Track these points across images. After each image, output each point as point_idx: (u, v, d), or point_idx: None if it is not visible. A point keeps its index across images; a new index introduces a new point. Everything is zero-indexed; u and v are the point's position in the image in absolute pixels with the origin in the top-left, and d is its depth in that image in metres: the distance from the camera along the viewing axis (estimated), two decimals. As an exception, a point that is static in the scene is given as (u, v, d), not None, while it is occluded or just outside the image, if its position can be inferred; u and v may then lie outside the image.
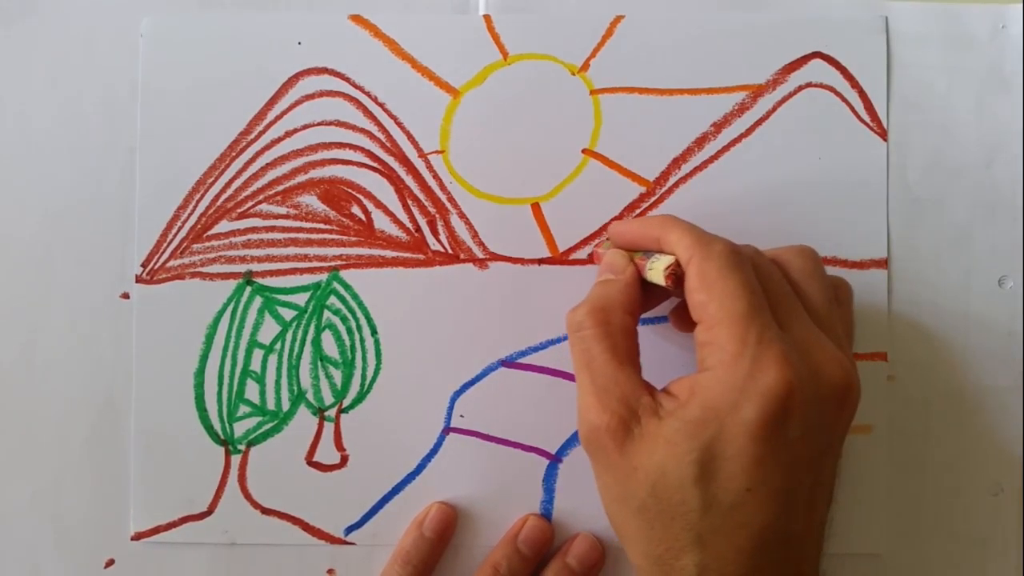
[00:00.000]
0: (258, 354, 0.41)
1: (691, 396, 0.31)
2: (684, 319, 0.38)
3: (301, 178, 0.41)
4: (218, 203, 0.41)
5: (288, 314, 0.41)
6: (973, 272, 0.41)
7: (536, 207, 0.41)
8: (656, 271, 0.33)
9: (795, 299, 0.33)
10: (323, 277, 0.41)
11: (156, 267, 0.41)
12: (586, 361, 0.33)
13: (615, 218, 0.40)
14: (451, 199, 0.41)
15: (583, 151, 0.41)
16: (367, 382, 0.41)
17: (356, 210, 0.41)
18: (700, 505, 0.30)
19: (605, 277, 0.36)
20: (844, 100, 0.40)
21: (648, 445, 0.31)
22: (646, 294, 0.35)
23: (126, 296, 0.41)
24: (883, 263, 0.40)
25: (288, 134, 0.41)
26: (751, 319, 0.30)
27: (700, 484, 0.30)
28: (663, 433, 0.31)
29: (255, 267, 0.41)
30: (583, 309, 0.34)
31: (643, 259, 0.35)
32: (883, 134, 0.40)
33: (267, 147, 0.41)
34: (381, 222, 0.41)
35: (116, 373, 0.41)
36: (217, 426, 0.41)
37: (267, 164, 0.41)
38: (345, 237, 0.41)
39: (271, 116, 0.41)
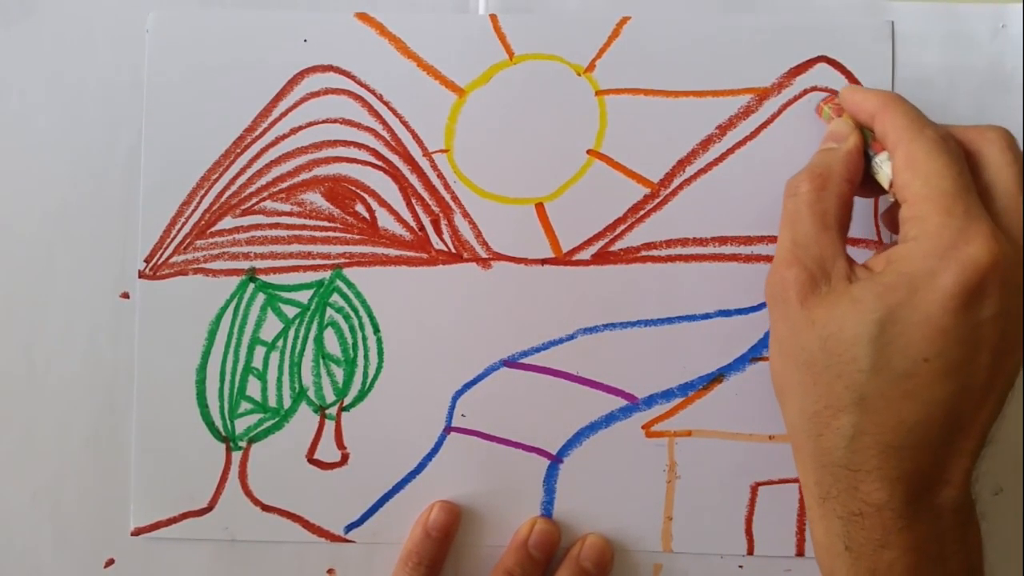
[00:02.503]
0: (260, 351, 0.41)
1: (887, 265, 0.31)
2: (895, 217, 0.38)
3: (305, 175, 0.41)
4: (222, 199, 0.41)
5: (291, 311, 0.41)
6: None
7: (540, 207, 0.41)
8: (882, 175, 0.34)
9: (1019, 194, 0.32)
10: (326, 275, 0.41)
11: (159, 263, 0.41)
12: (792, 220, 0.34)
13: (619, 220, 0.40)
14: (455, 198, 0.41)
15: (588, 152, 0.41)
16: (369, 380, 0.41)
17: (360, 208, 0.41)
18: (870, 366, 0.30)
19: (827, 145, 0.36)
20: (849, 104, 0.40)
21: (832, 301, 0.32)
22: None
23: (126, 296, 0.41)
24: (886, 267, 0.40)
25: (293, 131, 0.41)
26: (957, 195, 0.30)
27: (875, 344, 0.30)
28: (850, 292, 0.31)
29: (258, 264, 0.41)
30: (802, 173, 0.34)
31: (876, 145, 0.35)
32: (888, 138, 0.40)
33: (272, 144, 0.41)
34: (385, 221, 0.41)
35: (117, 371, 0.41)
36: (218, 422, 0.41)
37: (271, 161, 0.41)
38: (349, 235, 0.41)
39: (276, 113, 0.41)
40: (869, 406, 0.30)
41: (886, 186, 0.34)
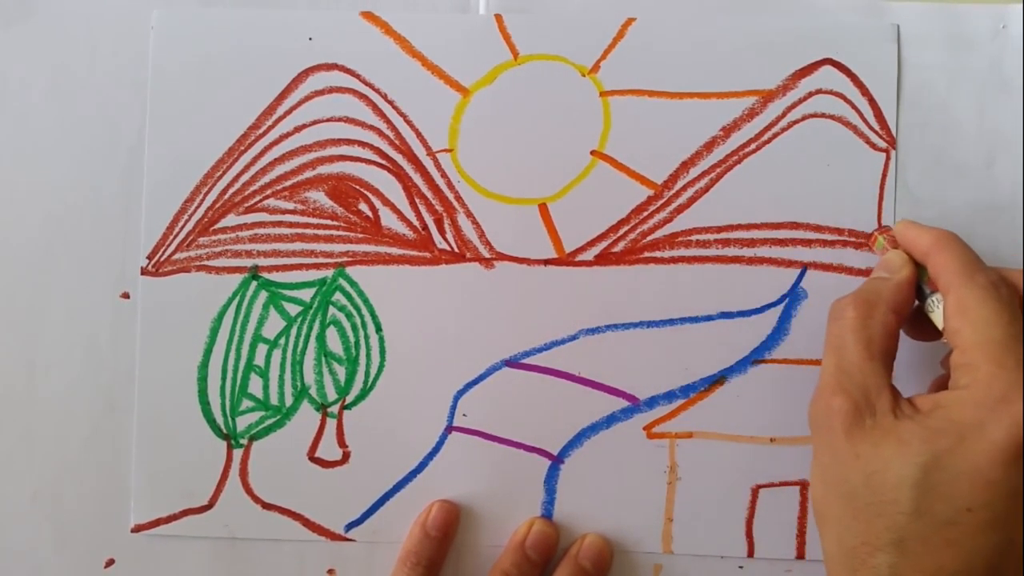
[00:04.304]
0: (262, 349, 0.41)
1: (935, 408, 0.31)
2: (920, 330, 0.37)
3: (309, 174, 0.41)
4: (225, 197, 0.41)
5: (293, 309, 0.41)
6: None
7: (543, 208, 0.41)
8: (936, 316, 0.34)
9: None
10: (329, 273, 0.41)
11: (162, 260, 0.41)
12: (837, 345, 0.33)
13: (622, 221, 0.40)
14: (458, 198, 0.41)
15: (592, 152, 0.41)
16: (371, 379, 0.41)
17: (363, 207, 0.41)
18: (912, 509, 0.30)
19: (879, 274, 0.36)
20: (853, 107, 0.40)
21: (877, 437, 0.31)
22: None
23: (126, 296, 0.41)
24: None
25: (297, 129, 0.41)
26: (1008, 346, 0.30)
27: (919, 488, 0.30)
28: (897, 431, 0.31)
29: (261, 262, 0.41)
30: (849, 298, 0.34)
31: (932, 283, 0.35)
32: (892, 141, 0.40)
33: (276, 142, 0.41)
34: (388, 219, 0.41)
35: (118, 369, 0.41)
36: (220, 420, 0.41)
37: (275, 159, 0.41)
38: (352, 234, 0.41)
39: (280, 111, 0.41)
40: (908, 549, 0.30)
41: (940, 326, 0.34)
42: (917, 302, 0.35)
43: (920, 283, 0.35)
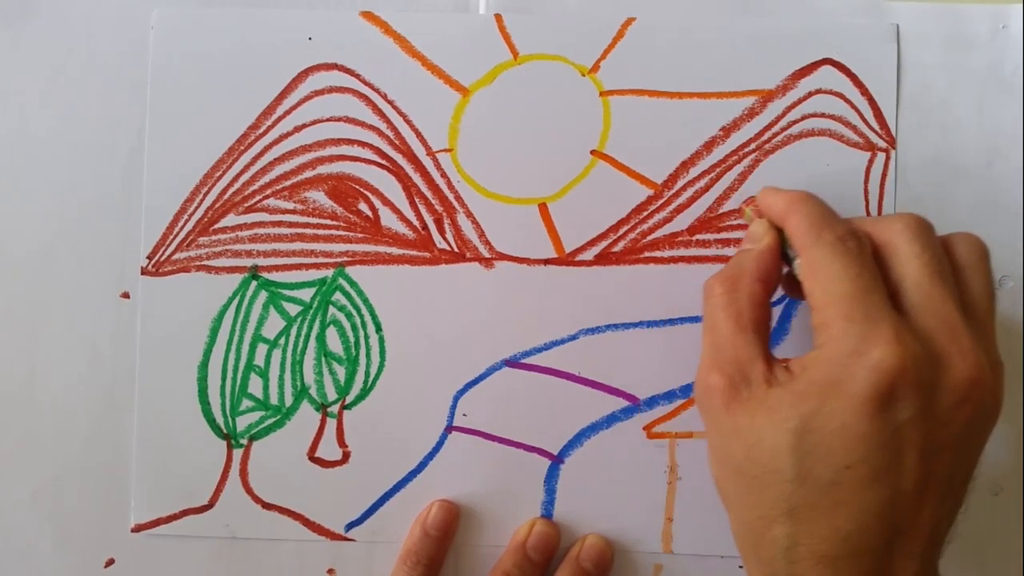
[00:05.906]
0: (262, 349, 0.41)
1: (802, 371, 0.31)
2: None
3: (309, 174, 0.41)
4: (225, 197, 0.41)
5: (293, 309, 0.41)
6: (973, 271, 0.41)
7: (543, 207, 0.41)
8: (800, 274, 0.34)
9: (938, 286, 0.31)
10: (329, 273, 0.41)
11: (162, 260, 0.41)
12: (710, 324, 0.33)
13: (622, 221, 0.41)
14: (458, 198, 0.41)
15: (592, 152, 0.41)
16: (371, 379, 0.41)
17: (363, 207, 0.41)
18: (794, 476, 0.30)
19: (744, 247, 0.35)
20: (853, 107, 0.40)
21: (752, 409, 0.31)
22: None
23: (126, 296, 0.41)
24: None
25: (297, 129, 0.41)
26: (856, 299, 0.30)
27: (795, 455, 0.30)
28: (768, 400, 0.31)
29: (261, 262, 0.41)
30: (716, 275, 0.34)
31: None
32: (892, 141, 0.40)
33: (275, 142, 0.41)
34: (388, 219, 0.41)
35: (118, 369, 0.41)
36: (220, 420, 0.41)
37: (275, 159, 0.41)
38: (352, 234, 0.41)
39: (280, 111, 0.41)
40: (800, 516, 0.30)
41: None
42: (788, 267, 0.35)
43: (784, 248, 0.35)
